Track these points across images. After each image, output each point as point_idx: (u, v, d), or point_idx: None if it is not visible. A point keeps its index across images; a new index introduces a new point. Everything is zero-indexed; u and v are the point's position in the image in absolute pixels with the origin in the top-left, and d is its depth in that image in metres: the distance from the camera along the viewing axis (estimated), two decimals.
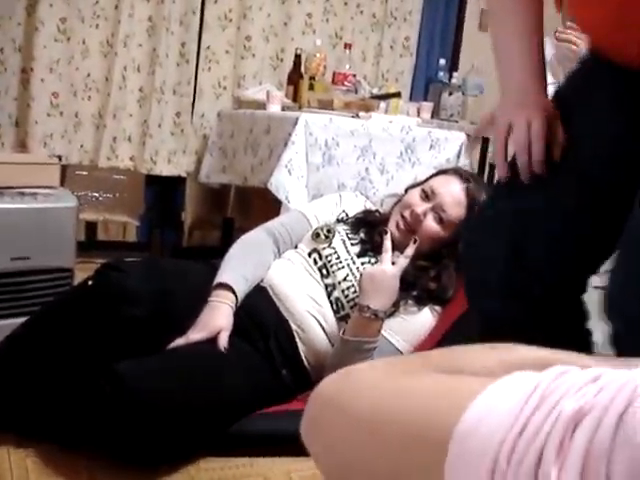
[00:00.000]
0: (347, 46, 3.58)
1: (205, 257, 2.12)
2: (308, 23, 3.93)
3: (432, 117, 4.00)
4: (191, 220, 4.00)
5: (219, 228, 4.06)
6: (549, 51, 2.65)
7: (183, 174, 3.82)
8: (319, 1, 3.95)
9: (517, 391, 0.45)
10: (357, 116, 2.91)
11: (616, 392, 0.41)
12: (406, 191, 2.10)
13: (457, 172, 2.05)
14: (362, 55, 4.12)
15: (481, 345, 0.61)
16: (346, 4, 4.04)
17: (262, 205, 3.41)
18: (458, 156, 2.96)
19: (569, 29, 2.54)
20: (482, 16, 4.41)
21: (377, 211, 2.19)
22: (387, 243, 1.86)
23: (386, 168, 2.84)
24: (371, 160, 2.80)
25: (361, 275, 1.84)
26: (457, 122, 3.98)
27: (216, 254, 2.10)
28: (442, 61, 4.17)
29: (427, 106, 3.98)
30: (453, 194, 1.98)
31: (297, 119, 2.69)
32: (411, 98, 4.23)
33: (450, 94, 4.05)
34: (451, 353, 0.61)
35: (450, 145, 2.96)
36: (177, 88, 3.73)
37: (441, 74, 4.15)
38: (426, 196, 2.00)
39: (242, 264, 1.95)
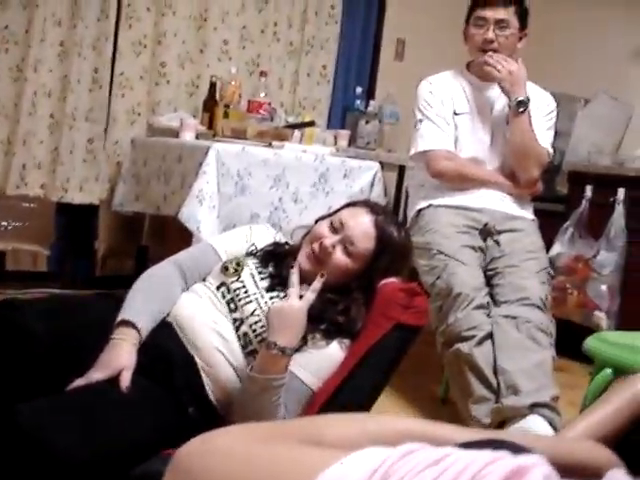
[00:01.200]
0: (262, 74, 3.57)
1: (119, 286, 2.05)
2: (224, 50, 3.91)
3: (349, 145, 4.03)
4: (104, 249, 3.90)
5: (133, 256, 3.97)
6: None
7: (95, 202, 3.73)
8: (235, 28, 3.94)
9: (363, 468, 0.44)
10: (270, 145, 2.90)
11: (456, 475, 0.39)
12: (316, 222, 2.08)
13: (367, 204, 2.04)
14: (279, 82, 4.11)
15: (345, 415, 0.59)
16: (263, 32, 4.03)
17: (177, 233, 3.34)
18: (372, 185, 2.97)
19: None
20: (398, 45, 4.47)
21: (287, 243, 2.16)
22: (294, 278, 1.83)
23: (299, 197, 2.82)
24: (284, 190, 2.79)
25: (268, 310, 1.81)
26: (374, 150, 4.01)
27: (130, 283, 2.03)
28: (359, 89, 4.20)
29: (344, 134, 4.00)
30: (362, 227, 1.97)
31: (208, 148, 2.66)
32: (328, 126, 4.24)
33: (367, 122, 4.08)
34: (313, 422, 0.59)
35: (364, 174, 2.97)
36: (89, 114, 3.66)
37: (358, 102, 4.18)
38: (335, 228, 1.98)
39: (147, 299, 1.89)
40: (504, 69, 2.53)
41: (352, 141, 4.08)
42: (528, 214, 2.68)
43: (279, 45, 4.09)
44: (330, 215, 2.06)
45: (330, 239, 1.97)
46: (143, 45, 3.74)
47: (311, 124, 3.16)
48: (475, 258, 2.45)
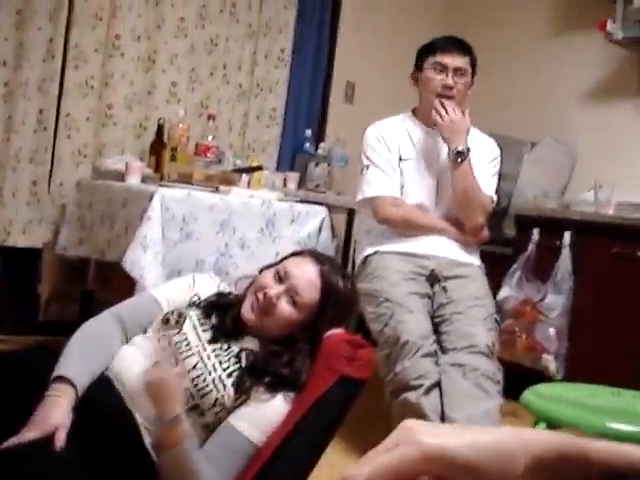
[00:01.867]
0: (211, 117, 3.55)
1: (63, 332, 1.99)
2: (173, 92, 3.89)
3: (298, 187, 4.03)
4: (48, 293, 3.80)
5: (78, 301, 3.88)
6: None
7: (39, 245, 3.64)
8: (184, 70, 3.92)
9: None
10: (217, 190, 2.87)
11: None
12: (260, 272, 2.05)
13: (312, 254, 2.02)
14: (228, 125, 4.09)
15: None
16: (212, 74, 4.02)
17: (123, 277, 3.28)
18: (319, 231, 2.96)
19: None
20: (347, 88, 4.50)
21: (231, 293, 2.12)
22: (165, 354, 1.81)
23: (246, 243, 2.79)
24: (231, 235, 2.76)
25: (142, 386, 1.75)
26: (323, 192, 4.00)
27: (74, 328, 1.97)
28: (308, 132, 4.21)
29: (293, 176, 4.00)
30: (307, 276, 1.94)
31: (153, 194, 2.62)
32: (278, 168, 4.23)
33: (316, 165, 4.08)
34: None
35: (311, 220, 2.96)
36: (34, 156, 3.58)
37: (307, 145, 4.18)
38: (280, 278, 1.95)
39: (84, 353, 1.83)
40: (447, 117, 2.56)
41: (301, 184, 4.08)
42: (475, 260, 2.69)
43: (229, 87, 4.08)
44: (275, 264, 2.04)
45: (274, 289, 1.94)
46: (90, 86, 3.68)
47: (259, 168, 3.14)
48: (422, 305, 2.44)
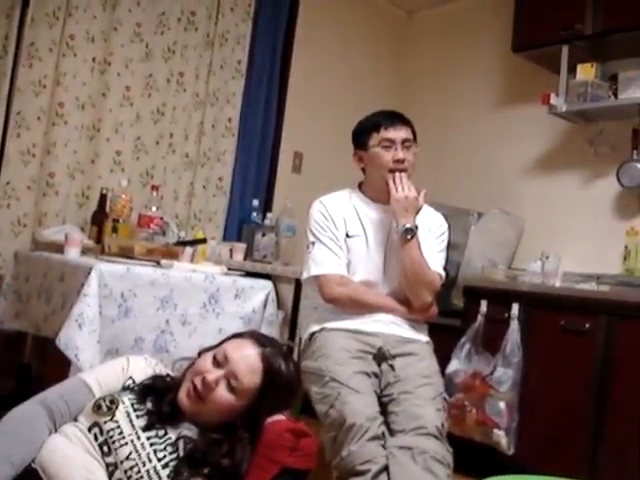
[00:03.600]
0: (155, 188, 3.48)
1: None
2: (117, 161, 3.81)
3: (245, 258, 3.96)
4: None
5: (14, 375, 3.70)
6: None
7: None
8: (129, 139, 3.86)
9: None
10: (159, 264, 2.78)
11: None
12: (199, 355, 1.96)
13: (252, 336, 1.95)
14: (174, 194, 4.03)
15: None
16: (158, 143, 3.97)
17: (60, 352, 3.16)
18: (265, 306, 2.88)
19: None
20: (295, 158, 4.48)
21: (168, 375, 2.02)
22: None
23: (188, 320, 2.70)
24: (172, 312, 2.67)
25: None
26: (270, 263, 3.94)
27: (11, 404, 1.86)
28: (255, 202, 4.16)
29: (240, 247, 3.94)
30: (247, 360, 1.87)
31: (90, 269, 2.52)
32: (225, 238, 4.17)
33: (263, 235, 4.03)
34: None
35: (256, 294, 2.88)
36: None
37: (254, 215, 4.13)
38: (218, 362, 1.87)
39: (8, 444, 1.72)
40: (402, 193, 2.53)
41: (248, 254, 4.01)
42: (423, 337, 2.63)
43: (175, 156, 4.03)
44: (214, 347, 1.95)
45: (213, 374, 1.86)
46: (32, 154, 3.59)
47: (202, 241, 3.07)
48: (369, 385, 2.36)
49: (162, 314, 2.65)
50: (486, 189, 4.35)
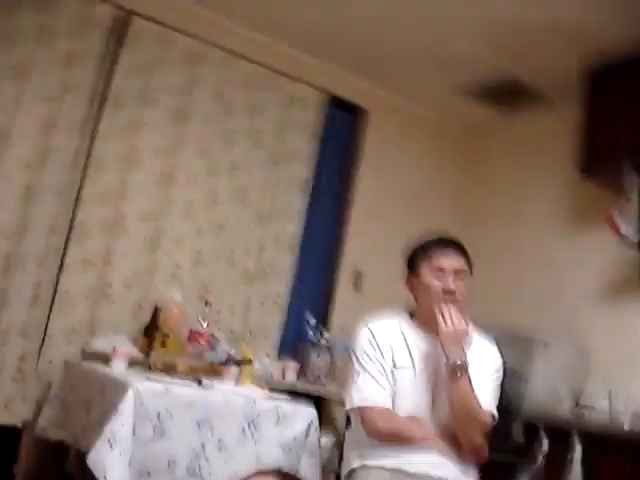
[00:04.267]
0: (208, 304, 3.44)
1: None
2: (175, 274, 3.81)
3: (298, 378, 3.85)
4: (24, 475, 3.57)
5: None
6: None
7: (19, 424, 3.45)
8: (189, 252, 3.86)
9: None
10: (200, 383, 2.70)
11: None
12: None
13: (277, 474, 1.82)
14: (231, 309, 3.98)
15: None
16: (218, 257, 3.96)
17: None
18: (307, 434, 2.73)
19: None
20: (355, 277, 4.41)
21: None
22: None
23: (225, 445, 2.58)
24: (208, 436, 2.55)
25: None
26: (324, 385, 3.82)
27: None
28: (312, 319, 4.07)
29: (293, 366, 3.83)
30: None
31: (127, 386, 2.46)
32: (280, 356, 4.07)
33: (318, 355, 3.92)
34: None
35: (298, 422, 2.74)
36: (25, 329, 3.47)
37: (311, 333, 4.03)
38: None
39: None
40: (451, 326, 2.39)
41: (301, 374, 3.90)
42: (471, 478, 2.43)
43: (233, 270, 4.00)
44: None
45: None
46: (92, 263, 3.63)
47: (248, 362, 2.98)
48: None
49: (198, 437, 2.54)
50: (552, 316, 4.16)
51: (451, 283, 2.47)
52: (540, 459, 3.19)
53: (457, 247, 2.56)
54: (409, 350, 2.52)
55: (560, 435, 3.21)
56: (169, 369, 2.80)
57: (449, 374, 2.36)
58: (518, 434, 3.49)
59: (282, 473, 1.89)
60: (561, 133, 4.28)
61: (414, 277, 2.58)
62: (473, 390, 2.37)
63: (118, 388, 2.55)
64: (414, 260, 2.60)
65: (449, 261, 2.50)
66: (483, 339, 2.64)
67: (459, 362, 2.35)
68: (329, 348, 4.00)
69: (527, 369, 3.69)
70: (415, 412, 2.44)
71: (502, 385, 3.43)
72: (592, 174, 3.80)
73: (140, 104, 3.75)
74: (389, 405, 2.42)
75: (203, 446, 2.54)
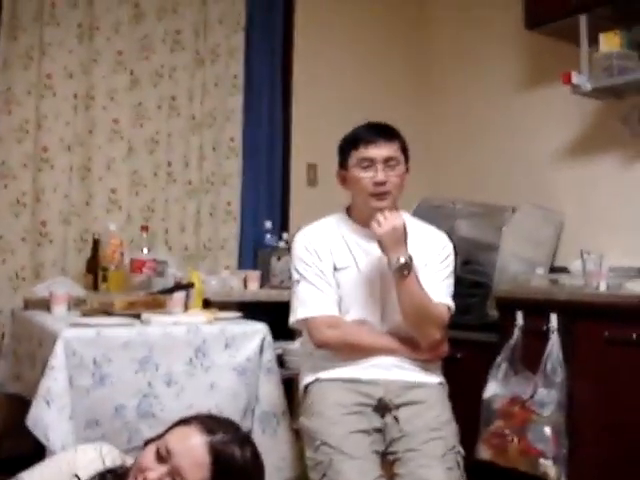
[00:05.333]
0: (144, 229, 3.23)
1: (20, 468, 1.76)
2: (113, 200, 3.58)
3: (261, 286, 3.69)
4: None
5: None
6: None
7: None
8: (124, 175, 3.62)
9: None
10: (139, 318, 2.53)
11: None
12: (146, 444, 1.69)
13: (200, 422, 1.66)
14: (180, 226, 3.77)
15: None
16: (156, 175, 3.72)
17: None
18: (261, 352, 2.58)
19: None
20: (309, 171, 4.17)
21: (122, 466, 1.76)
22: None
23: (173, 379, 2.43)
24: (153, 372, 2.40)
25: None
26: (289, 288, 3.66)
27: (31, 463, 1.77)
28: (268, 223, 3.87)
29: (254, 275, 3.67)
30: (192, 453, 1.58)
31: (55, 338, 2.28)
32: (241, 267, 3.89)
33: (279, 259, 3.74)
34: None
35: (250, 341, 2.58)
36: None
37: (269, 237, 3.84)
38: (161, 457, 1.59)
39: None
40: (386, 223, 2.18)
41: (266, 281, 3.74)
42: (434, 378, 2.29)
43: (176, 186, 3.77)
44: (158, 438, 1.68)
45: (155, 472, 1.57)
46: (22, 204, 3.40)
47: (189, 286, 2.79)
48: (368, 445, 2.05)
49: (143, 377, 2.38)
50: (516, 182, 3.96)
51: (381, 174, 2.25)
52: (516, 335, 3.06)
53: (387, 133, 2.31)
54: (349, 249, 2.33)
55: (534, 305, 3.07)
56: (107, 308, 2.62)
57: (395, 275, 2.17)
58: (493, 309, 3.36)
59: (205, 419, 1.72)
60: None
61: (344, 171, 2.36)
62: (422, 287, 2.20)
63: (49, 339, 2.39)
64: (342, 152, 2.38)
65: (377, 150, 2.27)
66: (428, 228, 2.45)
67: (403, 261, 2.15)
68: (289, 249, 3.82)
69: (496, 241, 3.52)
70: (364, 315, 2.29)
71: (470, 262, 3.29)
72: (538, 25, 3.50)
73: (38, 24, 3.41)
74: (334, 312, 2.26)
75: (150, 384, 2.39)
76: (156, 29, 3.72)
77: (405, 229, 2.19)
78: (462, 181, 4.27)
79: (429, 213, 3.63)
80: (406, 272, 2.15)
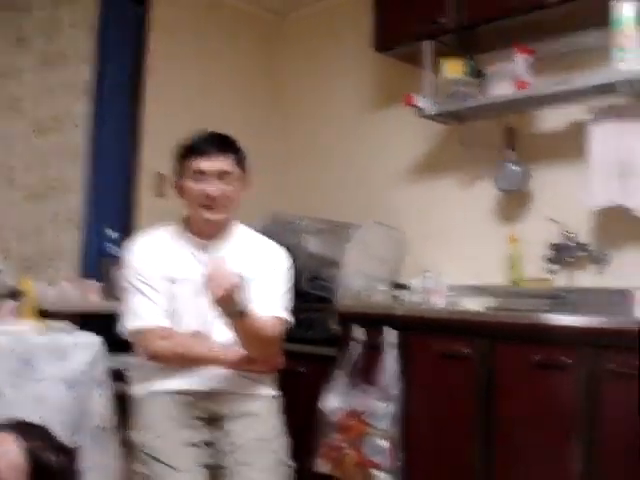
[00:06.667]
0: None
1: None
2: None
3: (107, 297, 3.58)
4: None
5: None
6: None
7: None
8: None
9: None
10: None
11: None
12: None
13: (17, 429, 1.59)
14: (18, 233, 3.60)
15: None
16: None
17: None
18: (93, 365, 2.50)
19: None
20: (158, 181, 4.08)
21: None
22: None
23: (0, 392, 2.31)
24: None
25: None
26: None
27: None
28: (111, 232, 3.75)
29: (93, 286, 3.55)
30: (8, 459, 1.52)
31: None
32: (85, 277, 3.75)
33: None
34: None
35: (81, 352, 2.50)
36: None
37: (112, 248, 3.73)
38: None
39: None
40: (220, 289, 2.02)
41: (108, 292, 3.62)
42: (267, 391, 2.29)
43: (13, 190, 3.60)
44: None
45: None
46: None
47: (21, 294, 2.66)
48: (196, 457, 2.03)
49: None
50: (363, 200, 4.06)
51: (211, 186, 2.24)
52: (356, 347, 3.12)
53: (222, 146, 2.30)
54: (184, 260, 2.30)
55: (374, 320, 3.14)
56: None
57: (232, 319, 2.11)
58: (334, 324, 3.41)
59: (22, 426, 1.65)
60: (359, 5, 4.03)
61: (180, 180, 2.33)
62: (255, 317, 2.14)
63: None
64: (177, 162, 2.35)
65: (210, 163, 2.25)
66: (267, 243, 2.45)
67: (239, 309, 2.08)
68: None
69: (342, 256, 3.59)
70: (198, 326, 2.25)
71: (316, 278, 3.31)
72: (387, 48, 3.62)
73: None
74: (166, 323, 2.21)
75: None
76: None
77: (235, 280, 2.06)
78: (314, 198, 4.32)
79: (279, 228, 3.67)
80: (240, 318, 2.10)
